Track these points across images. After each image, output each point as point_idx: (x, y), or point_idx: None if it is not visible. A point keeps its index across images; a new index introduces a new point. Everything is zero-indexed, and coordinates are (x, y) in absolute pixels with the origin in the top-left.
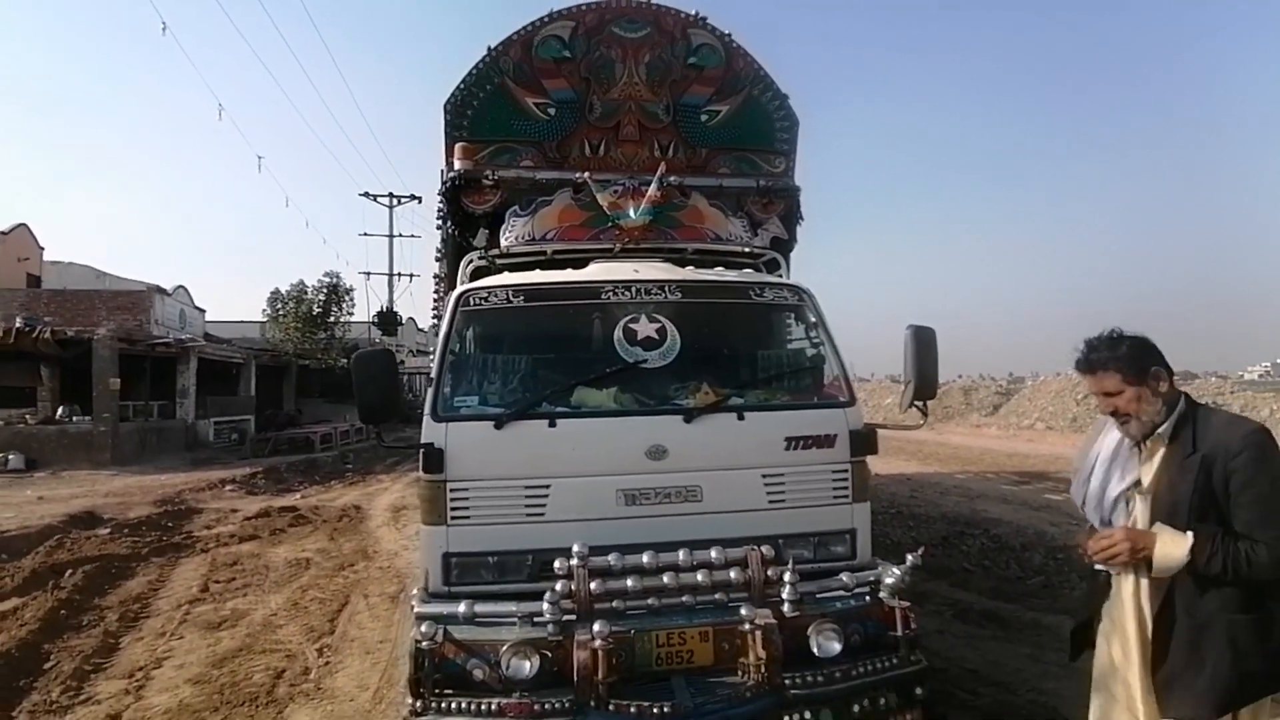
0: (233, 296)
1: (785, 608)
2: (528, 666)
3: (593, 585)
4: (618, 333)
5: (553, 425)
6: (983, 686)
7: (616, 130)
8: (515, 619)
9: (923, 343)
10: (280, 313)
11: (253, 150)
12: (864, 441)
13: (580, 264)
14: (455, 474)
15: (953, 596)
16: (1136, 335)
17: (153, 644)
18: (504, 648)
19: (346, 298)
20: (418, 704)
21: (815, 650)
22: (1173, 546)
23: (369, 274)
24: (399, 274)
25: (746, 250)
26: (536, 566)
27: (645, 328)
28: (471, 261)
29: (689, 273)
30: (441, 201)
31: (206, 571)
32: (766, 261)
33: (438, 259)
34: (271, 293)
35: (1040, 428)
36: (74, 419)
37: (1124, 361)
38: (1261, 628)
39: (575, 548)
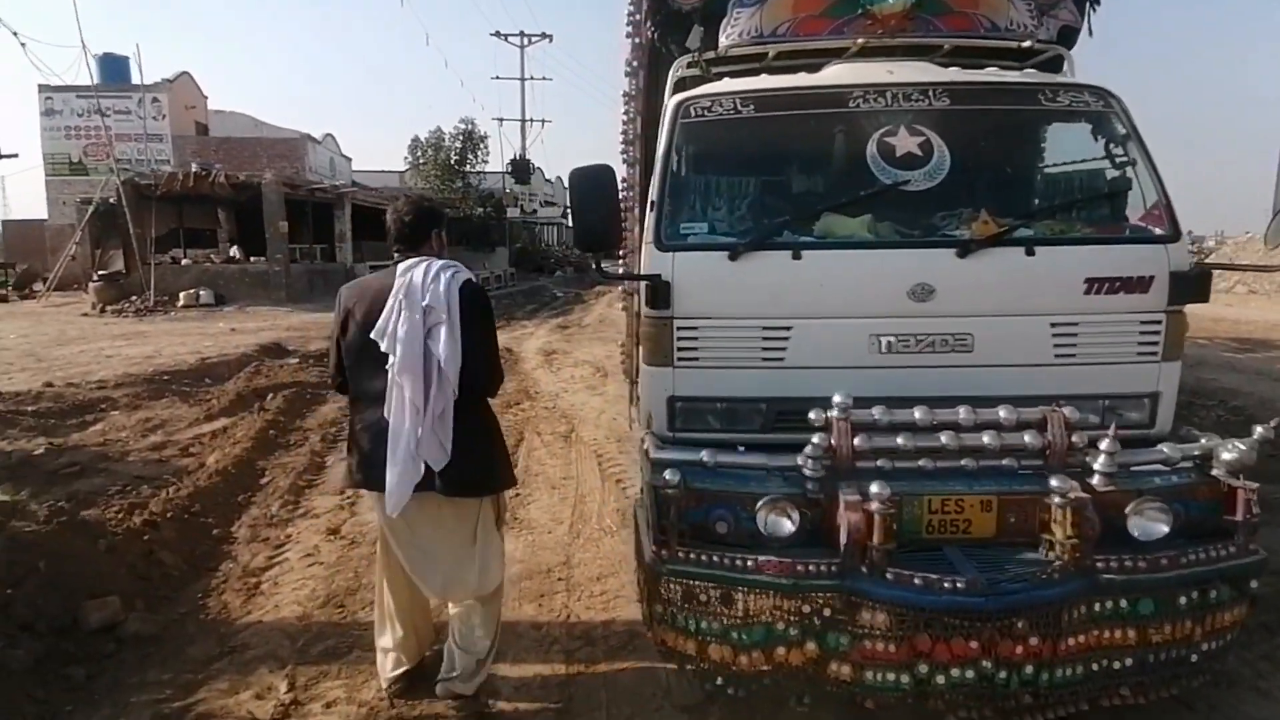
0: (371, 146)
1: (1096, 480)
2: (787, 524)
3: (855, 441)
4: (871, 148)
5: (797, 258)
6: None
7: None
8: (765, 472)
9: None
10: (420, 160)
11: None
12: (1189, 286)
13: (811, 68)
14: (684, 311)
15: None
16: None
17: None
18: (760, 502)
19: (481, 145)
20: (663, 552)
21: (1135, 532)
22: None
23: (502, 120)
24: (531, 119)
25: (1024, 46)
26: (771, 416)
27: (905, 142)
28: (679, 69)
29: (956, 73)
30: (632, 3)
31: None
32: (1048, 60)
33: (627, 74)
34: (411, 140)
35: (1241, 291)
36: (251, 259)
37: None
38: None
39: (837, 398)
